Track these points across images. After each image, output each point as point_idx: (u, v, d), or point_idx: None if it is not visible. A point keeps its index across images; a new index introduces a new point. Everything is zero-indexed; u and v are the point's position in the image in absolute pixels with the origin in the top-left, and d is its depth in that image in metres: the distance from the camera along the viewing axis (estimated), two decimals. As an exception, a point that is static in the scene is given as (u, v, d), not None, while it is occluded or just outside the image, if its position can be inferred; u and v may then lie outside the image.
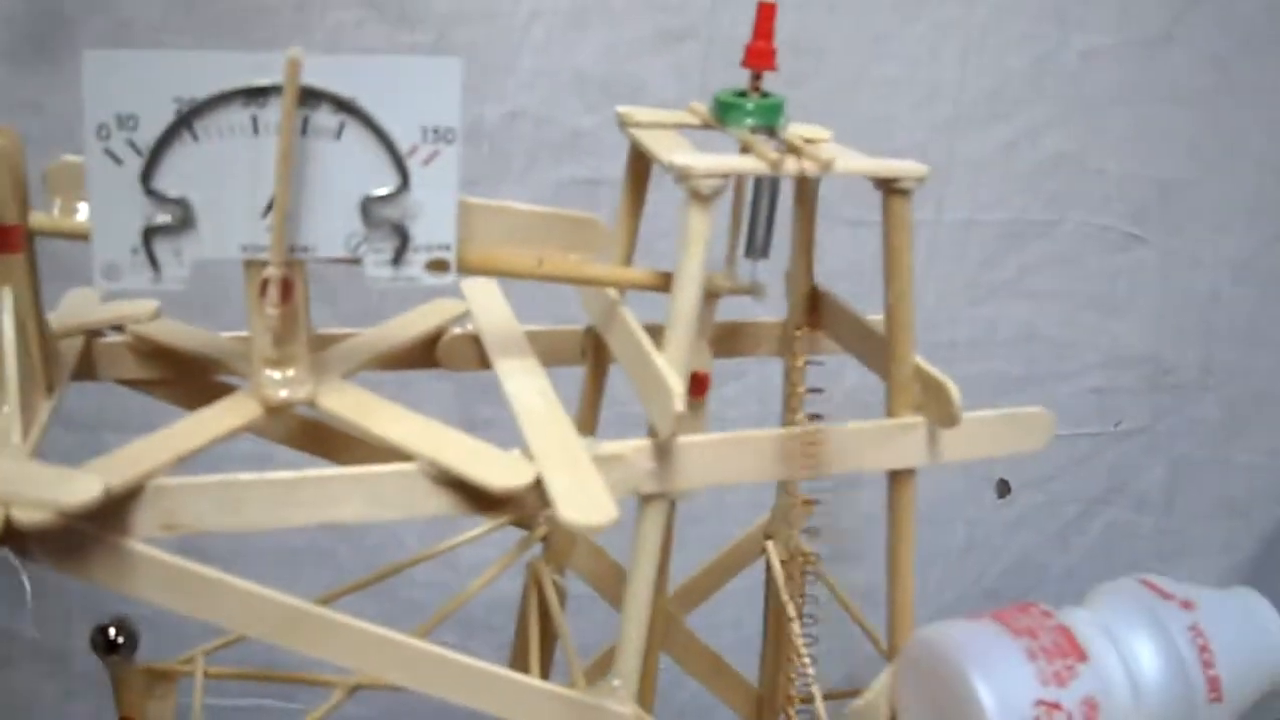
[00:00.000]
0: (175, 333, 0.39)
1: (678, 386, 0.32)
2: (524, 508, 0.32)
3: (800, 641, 0.44)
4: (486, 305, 0.41)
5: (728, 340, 0.43)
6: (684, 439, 0.34)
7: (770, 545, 0.46)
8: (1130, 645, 0.37)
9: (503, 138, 0.75)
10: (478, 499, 0.32)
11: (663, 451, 0.33)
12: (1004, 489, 0.90)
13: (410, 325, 0.40)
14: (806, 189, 0.39)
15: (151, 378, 0.40)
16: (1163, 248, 0.88)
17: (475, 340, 0.40)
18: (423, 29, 0.71)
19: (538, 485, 0.31)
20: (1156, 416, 0.91)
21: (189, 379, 0.40)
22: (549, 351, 0.42)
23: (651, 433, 0.33)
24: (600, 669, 0.39)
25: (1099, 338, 0.88)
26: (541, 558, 0.46)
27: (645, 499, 0.34)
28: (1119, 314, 0.88)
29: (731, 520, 0.52)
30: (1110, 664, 0.36)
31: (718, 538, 0.52)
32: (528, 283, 0.36)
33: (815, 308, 0.42)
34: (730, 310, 0.43)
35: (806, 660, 0.43)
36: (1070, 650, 0.36)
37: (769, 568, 0.46)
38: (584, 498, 0.30)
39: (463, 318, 0.41)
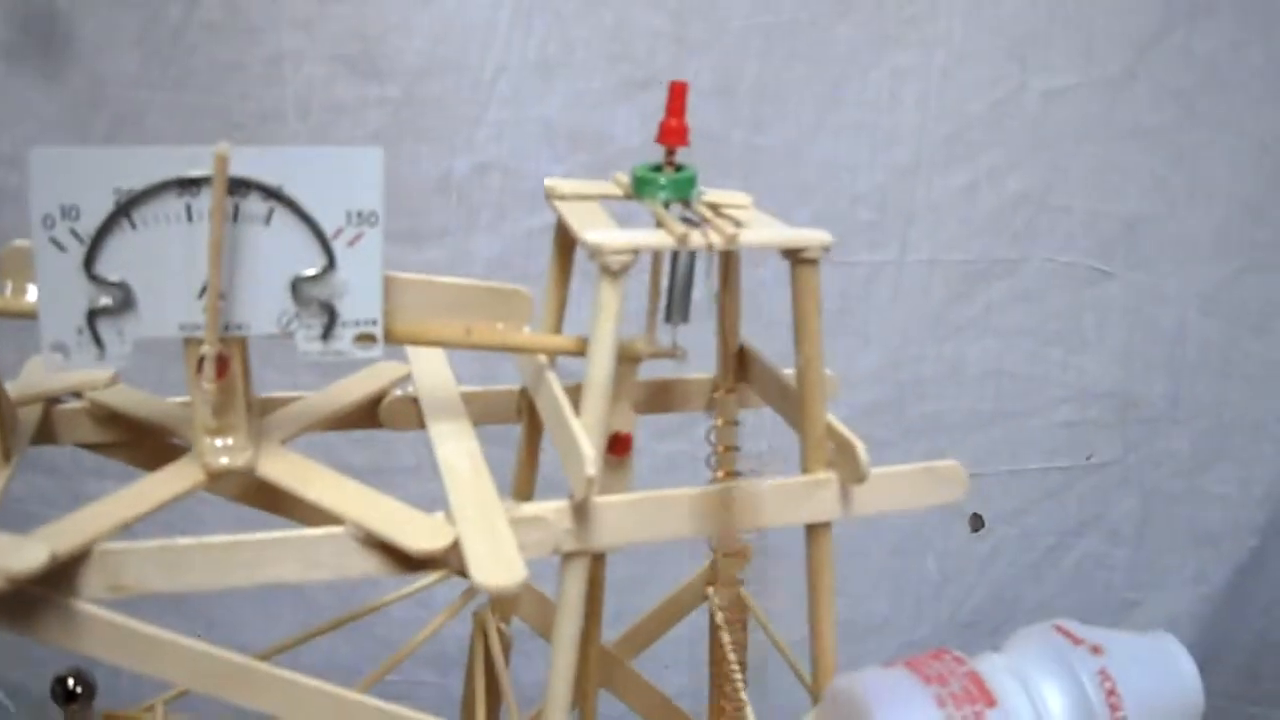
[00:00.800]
0: (129, 399, 0.41)
1: (589, 451, 0.34)
2: (445, 567, 0.34)
3: (739, 688, 0.45)
4: (428, 368, 0.43)
5: (658, 398, 0.45)
6: (601, 500, 0.35)
7: (711, 592, 0.48)
8: (1039, 690, 0.38)
9: (472, 189, 0.77)
10: (404, 560, 0.34)
11: (580, 512, 0.35)
12: (977, 523, 0.92)
13: (353, 389, 0.42)
14: (729, 256, 0.41)
15: (108, 441, 0.42)
16: (1128, 282, 0.90)
17: (415, 402, 0.42)
18: (391, 83, 0.74)
19: (456, 546, 0.33)
20: (1127, 449, 0.92)
21: (143, 442, 0.42)
22: (486, 411, 0.44)
23: (571, 494, 0.35)
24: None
25: (1067, 373, 0.90)
26: (487, 606, 0.47)
27: (566, 557, 0.36)
28: (1086, 349, 0.90)
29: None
30: (1019, 709, 0.38)
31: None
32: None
33: (743, 365, 0.44)
34: (663, 367, 0.45)
35: (745, 704, 0.45)
36: (979, 696, 0.37)
37: (710, 615, 0.48)
38: (495, 561, 0.32)
39: (404, 380, 0.43)
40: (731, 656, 0.46)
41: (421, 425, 0.42)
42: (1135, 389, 0.91)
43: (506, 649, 0.46)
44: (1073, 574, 0.93)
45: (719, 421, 0.41)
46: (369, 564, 0.34)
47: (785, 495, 0.38)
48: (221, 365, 0.35)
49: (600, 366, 0.35)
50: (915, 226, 0.84)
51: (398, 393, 0.43)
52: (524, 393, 0.44)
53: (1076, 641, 0.40)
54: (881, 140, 0.83)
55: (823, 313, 0.38)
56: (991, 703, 0.37)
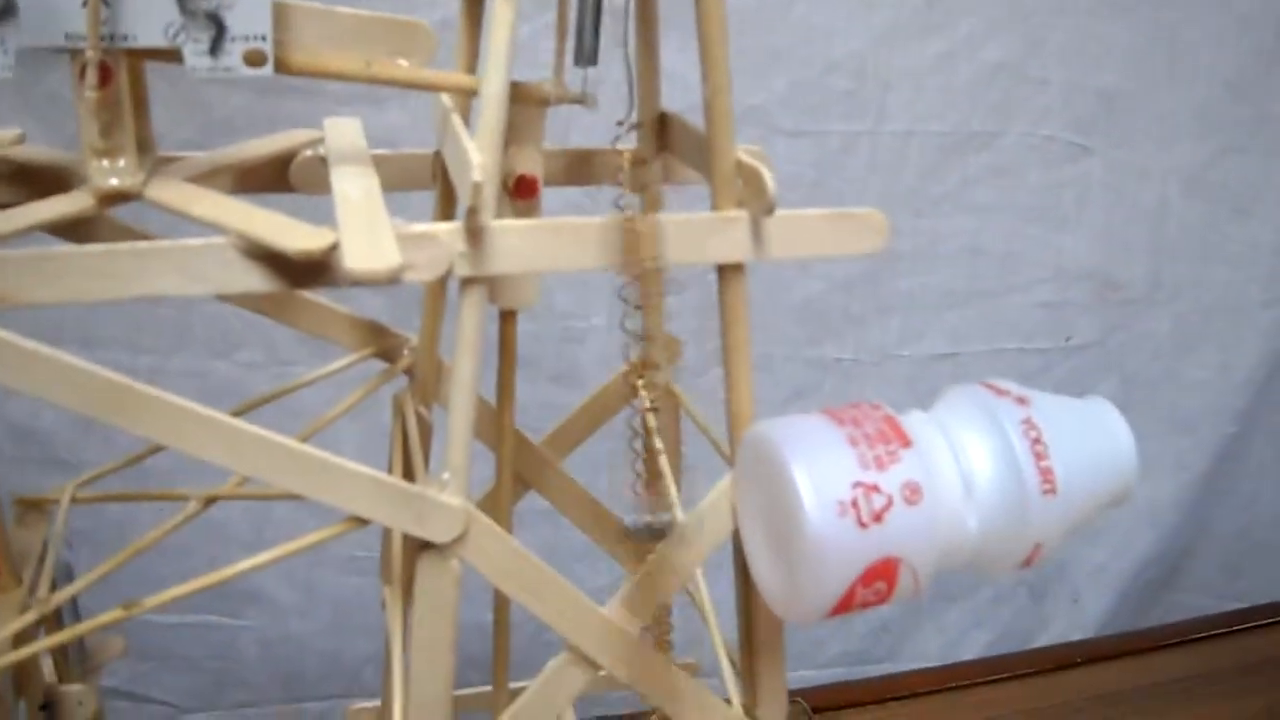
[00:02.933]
0: (35, 153, 0.40)
1: (476, 158, 0.33)
2: (327, 275, 0.33)
3: (670, 486, 0.44)
4: (342, 134, 0.42)
5: (579, 168, 0.43)
6: (499, 223, 0.34)
7: (640, 385, 0.46)
8: (960, 437, 0.37)
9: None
10: (287, 272, 0.33)
11: (475, 234, 0.34)
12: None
13: (262, 146, 0.41)
14: (646, 5, 0.39)
15: (14, 201, 0.41)
16: (1108, 159, 0.88)
17: (326, 163, 0.41)
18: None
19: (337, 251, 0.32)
20: (1106, 331, 0.90)
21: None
22: (401, 175, 0.43)
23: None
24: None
25: (1045, 251, 0.88)
26: (406, 390, 0.46)
27: (463, 284, 0.35)
28: (1065, 227, 0.88)
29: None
30: (935, 451, 0.36)
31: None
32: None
33: (664, 133, 0.42)
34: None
35: (674, 504, 0.44)
36: (894, 437, 0.36)
37: (640, 412, 0.47)
38: (370, 249, 0.31)
39: (316, 143, 0.42)
40: (659, 446, 0.45)
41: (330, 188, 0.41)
42: (1115, 269, 0.89)
43: (426, 435, 0.45)
44: (1050, 459, 0.91)
45: (623, 182, 0.40)
46: (251, 277, 0.33)
47: (695, 231, 0.36)
48: (105, 74, 0.34)
49: (495, 82, 0.34)
50: (891, 96, 0.82)
51: (308, 153, 0.42)
52: (438, 155, 0.43)
53: (1001, 393, 0.39)
54: (857, 5, 0.81)
55: (728, 43, 0.36)
56: (907, 443, 0.36)
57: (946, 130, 0.84)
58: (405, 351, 0.46)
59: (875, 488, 0.35)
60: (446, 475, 0.36)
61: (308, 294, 0.45)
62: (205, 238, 0.33)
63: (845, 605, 0.36)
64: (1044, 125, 0.86)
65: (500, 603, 0.47)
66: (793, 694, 0.71)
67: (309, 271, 0.33)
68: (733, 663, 0.44)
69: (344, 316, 0.46)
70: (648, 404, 0.45)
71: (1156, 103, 0.87)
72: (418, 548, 0.37)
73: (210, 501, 0.41)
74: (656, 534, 0.38)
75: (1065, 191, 0.87)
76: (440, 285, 0.44)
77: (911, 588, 0.36)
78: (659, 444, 0.43)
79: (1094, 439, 0.39)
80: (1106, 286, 0.89)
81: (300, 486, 0.35)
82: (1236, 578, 0.95)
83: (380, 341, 0.46)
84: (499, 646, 0.49)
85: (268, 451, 0.34)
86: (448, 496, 0.36)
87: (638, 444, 0.41)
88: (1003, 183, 0.86)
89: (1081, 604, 0.92)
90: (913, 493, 0.35)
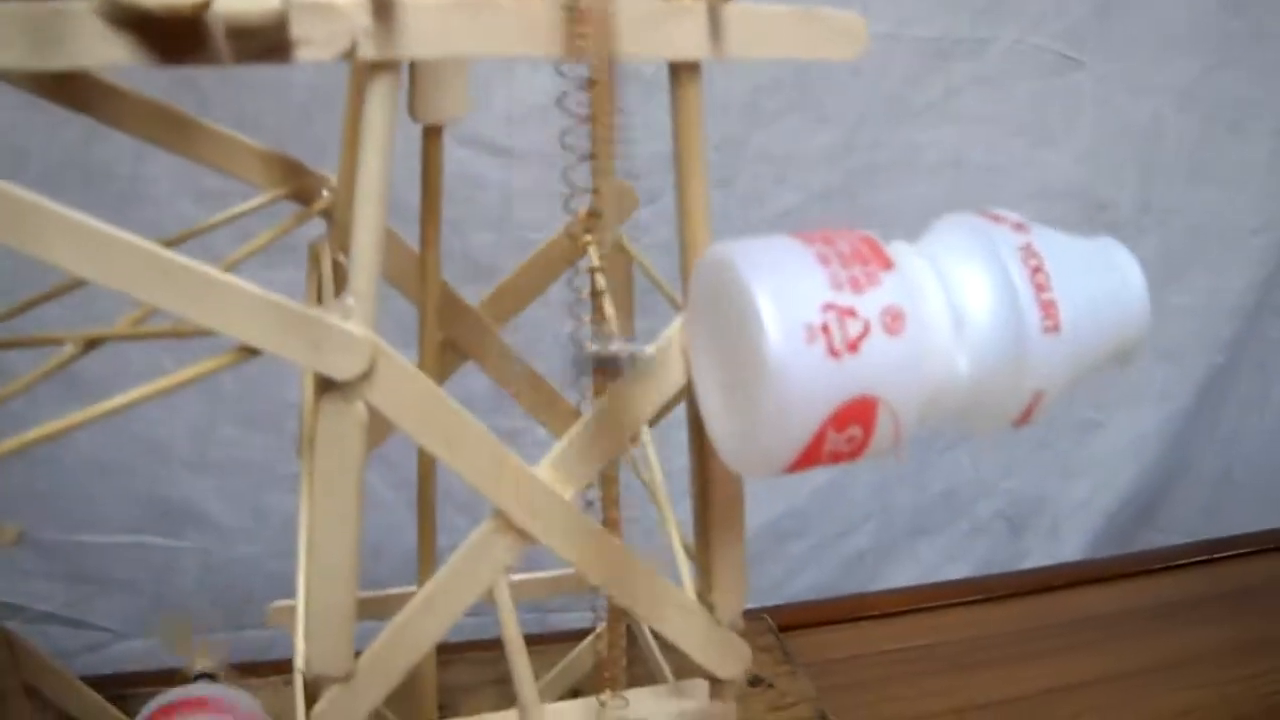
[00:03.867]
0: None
1: (384, -101, 0.27)
2: (203, 47, 0.27)
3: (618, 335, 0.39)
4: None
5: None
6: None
7: (590, 240, 0.41)
8: (949, 265, 0.32)
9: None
10: (155, 42, 0.28)
11: (383, 6, 0.29)
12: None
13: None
14: None
15: None
16: (1099, 73, 0.83)
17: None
18: None
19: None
20: (1093, 254, 0.86)
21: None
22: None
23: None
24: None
25: (1029, 167, 0.83)
26: (324, 239, 0.41)
27: (370, 70, 0.30)
28: (1052, 142, 0.83)
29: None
30: (921, 278, 0.31)
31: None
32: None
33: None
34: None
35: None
36: (873, 258, 0.31)
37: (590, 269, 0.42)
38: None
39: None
40: (609, 309, 0.40)
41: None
42: (1102, 189, 0.85)
43: (342, 285, 0.40)
44: (1032, 389, 0.87)
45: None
46: (113, 47, 0.28)
47: (643, 21, 0.31)
48: None
49: None
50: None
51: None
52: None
53: (998, 219, 0.34)
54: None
55: None
56: (888, 265, 0.31)
57: (932, 36, 0.79)
58: (324, 192, 0.41)
59: (850, 311, 0.30)
60: (351, 300, 0.31)
61: (214, 125, 0.40)
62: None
63: (813, 454, 0.31)
64: (1034, 34, 0.81)
65: (424, 474, 0.42)
66: (759, 611, 0.66)
67: (181, 41, 0.28)
68: (686, 549, 0.40)
69: (254, 149, 0.40)
70: (595, 261, 0.40)
71: (1150, 14, 0.82)
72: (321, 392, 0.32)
73: (90, 344, 0.36)
74: (607, 363, 0.33)
75: (1053, 105, 0.82)
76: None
77: (890, 436, 0.31)
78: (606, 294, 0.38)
79: (1102, 276, 0.34)
80: (1093, 207, 0.84)
81: (182, 306, 0.30)
82: (1214, 517, 0.91)
83: (295, 180, 0.41)
84: (424, 532, 0.44)
85: (145, 263, 0.29)
86: (350, 325, 0.31)
87: (581, 285, 0.37)
88: (989, 93, 0.81)
89: (1060, 539, 0.88)
90: (894, 320, 0.30)
